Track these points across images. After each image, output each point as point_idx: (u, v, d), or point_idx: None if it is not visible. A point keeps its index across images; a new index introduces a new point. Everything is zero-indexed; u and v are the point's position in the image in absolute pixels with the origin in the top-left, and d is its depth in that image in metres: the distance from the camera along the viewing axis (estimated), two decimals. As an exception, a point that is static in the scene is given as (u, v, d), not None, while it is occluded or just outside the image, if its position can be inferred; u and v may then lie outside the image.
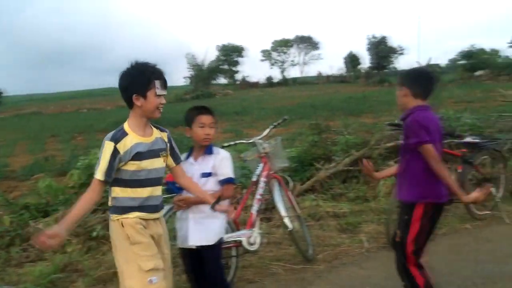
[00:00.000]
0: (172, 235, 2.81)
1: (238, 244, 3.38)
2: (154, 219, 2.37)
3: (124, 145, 2.21)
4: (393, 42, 54.30)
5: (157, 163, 2.33)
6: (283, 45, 67.11)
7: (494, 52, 42.96)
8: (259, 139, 3.89)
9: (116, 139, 2.21)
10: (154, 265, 2.26)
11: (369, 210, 5.02)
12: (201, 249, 2.77)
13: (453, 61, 46.36)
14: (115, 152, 2.19)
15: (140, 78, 2.24)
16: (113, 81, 2.37)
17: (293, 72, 75.31)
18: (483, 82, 30.17)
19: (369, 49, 53.96)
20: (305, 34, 72.94)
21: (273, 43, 68.04)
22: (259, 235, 3.51)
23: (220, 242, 2.85)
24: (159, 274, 2.27)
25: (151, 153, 2.31)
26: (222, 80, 62.45)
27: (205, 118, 2.80)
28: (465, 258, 3.75)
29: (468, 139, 4.62)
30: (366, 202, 5.28)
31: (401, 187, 2.72)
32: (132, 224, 2.27)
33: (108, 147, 2.20)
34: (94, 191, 2.22)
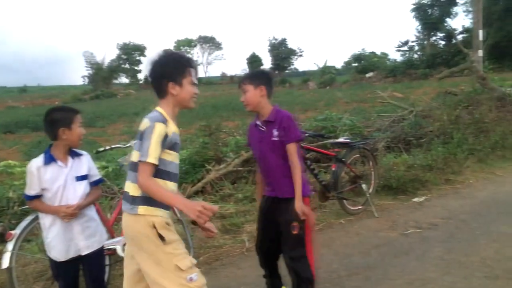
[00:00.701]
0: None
1: (112, 252, 3.28)
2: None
3: (169, 131, 2.06)
4: (292, 44, 56.33)
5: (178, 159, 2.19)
6: (186, 44, 66.67)
7: (384, 56, 46.39)
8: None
9: (163, 122, 2.04)
10: (190, 262, 2.09)
11: (254, 210, 5.15)
12: (86, 256, 2.63)
13: (347, 64, 49.27)
14: (165, 136, 2.02)
15: (176, 66, 2.14)
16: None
17: (196, 72, 74.92)
18: (373, 84, 32.43)
19: (270, 51, 55.63)
20: (208, 34, 73.19)
21: (176, 42, 67.36)
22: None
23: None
24: (197, 271, 2.11)
25: (179, 147, 2.18)
26: (124, 80, 60.43)
27: (80, 117, 2.67)
28: (335, 251, 3.99)
29: (341, 140, 4.94)
30: (253, 202, 5.41)
31: (275, 184, 2.76)
32: (163, 224, 2.07)
33: (160, 128, 2.00)
34: (152, 177, 1.99)
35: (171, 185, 2.13)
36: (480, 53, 14.32)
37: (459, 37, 33.89)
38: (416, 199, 5.28)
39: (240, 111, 17.17)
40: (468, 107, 8.30)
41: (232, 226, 4.70)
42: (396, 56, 45.14)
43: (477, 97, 8.70)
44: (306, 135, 4.63)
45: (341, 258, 3.82)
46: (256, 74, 2.83)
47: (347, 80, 37.44)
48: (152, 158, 1.97)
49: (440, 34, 35.84)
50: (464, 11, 32.44)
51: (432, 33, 37.04)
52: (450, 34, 28.68)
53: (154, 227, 2.04)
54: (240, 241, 4.36)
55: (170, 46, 68.02)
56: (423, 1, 36.44)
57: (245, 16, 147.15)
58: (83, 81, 54.99)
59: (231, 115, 18.79)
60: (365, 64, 41.03)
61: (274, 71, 53.68)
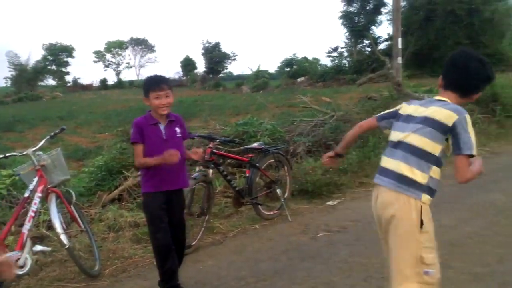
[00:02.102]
0: None
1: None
2: None
3: None
4: (226, 48, 56.49)
5: None
6: (117, 46, 64.82)
7: (315, 61, 47.59)
8: (34, 150, 3.60)
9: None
10: (434, 259, 2.20)
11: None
12: None
13: (280, 68, 50.06)
14: None
15: None
16: None
17: (129, 75, 73.36)
18: (304, 88, 33.15)
19: (203, 54, 55.38)
20: (141, 36, 71.62)
21: (106, 44, 65.29)
22: (29, 256, 3.24)
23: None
24: (437, 268, 2.19)
25: None
26: (51, 82, 57.61)
27: None
28: (246, 258, 3.98)
29: (254, 145, 4.95)
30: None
31: (179, 177, 3.15)
32: (428, 211, 2.17)
33: (469, 119, 2.11)
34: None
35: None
36: (400, 60, 15.04)
37: (384, 44, 35.60)
38: (330, 203, 5.41)
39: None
40: (384, 112, 8.66)
41: (144, 235, 4.55)
42: (326, 61, 46.51)
43: (393, 102, 9.10)
44: (217, 141, 4.60)
45: (251, 265, 3.81)
46: (170, 80, 3.25)
47: (280, 85, 38.02)
48: (476, 151, 2.08)
49: (367, 41, 37.32)
50: (388, 20, 33.87)
51: (359, 40, 38.52)
52: (373, 41, 29.93)
53: (421, 212, 2.13)
54: (151, 251, 4.23)
55: (100, 47, 65.98)
56: (350, 9, 37.85)
57: (178, 19, 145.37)
58: (6, 83, 51.90)
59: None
60: (296, 69, 41.92)
61: (208, 74, 53.43)
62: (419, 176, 2.14)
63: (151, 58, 70.10)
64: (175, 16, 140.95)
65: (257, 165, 4.79)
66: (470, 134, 2.10)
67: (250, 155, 4.84)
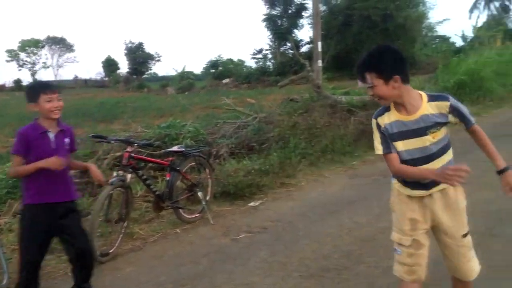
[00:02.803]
0: None
1: None
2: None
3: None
4: (150, 48, 55.28)
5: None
6: (32, 45, 61.18)
7: (241, 62, 47.97)
8: None
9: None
10: (399, 239, 2.34)
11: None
12: None
13: (206, 69, 49.90)
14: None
15: None
16: None
17: (46, 75, 69.42)
18: (229, 90, 33.29)
19: (126, 55, 53.84)
20: (58, 35, 68.13)
21: (20, 42, 61.40)
22: None
23: None
24: (403, 249, 2.32)
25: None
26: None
27: None
28: (166, 263, 3.92)
29: (174, 148, 4.89)
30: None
31: (65, 189, 3.02)
32: (396, 192, 2.42)
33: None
34: None
35: None
36: (320, 63, 15.55)
37: (306, 47, 36.70)
38: (252, 204, 5.46)
39: (90, 118, 16.15)
40: (305, 114, 8.92)
41: (57, 244, 4.32)
42: (252, 63, 47.05)
43: (312, 104, 9.40)
44: (136, 144, 4.48)
45: (171, 270, 3.76)
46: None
47: (205, 86, 37.86)
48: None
49: (290, 44, 38.23)
50: (309, 24, 34.93)
51: (283, 43, 39.37)
52: (294, 44, 30.72)
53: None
54: (65, 260, 4.02)
55: (14, 46, 61.92)
56: (273, 12, 38.58)
57: (99, 18, 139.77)
58: None
59: (80, 121, 17.62)
60: (222, 70, 42.04)
61: (132, 75, 51.98)
62: None
63: (70, 57, 66.93)
64: (96, 15, 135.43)
65: (178, 168, 4.73)
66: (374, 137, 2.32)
67: (170, 159, 4.77)
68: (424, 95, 2.25)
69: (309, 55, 22.71)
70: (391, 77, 2.16)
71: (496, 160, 2.26)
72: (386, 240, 3.97)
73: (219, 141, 7.65)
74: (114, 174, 4.22)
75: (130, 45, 54.15)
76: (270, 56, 42.34)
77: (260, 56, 42.67)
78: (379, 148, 2.29)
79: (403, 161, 2.25)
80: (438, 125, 2.21)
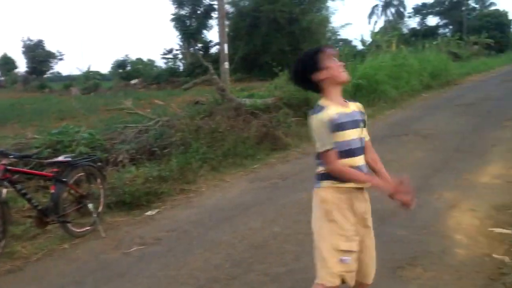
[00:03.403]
0: None
1: None
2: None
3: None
4: (51, 46, 52.15)
5: None
6: None
7: (150, 63, 46.77)
8: None
9: None
10: (348, 246, 2.25)
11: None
12: None
13: (114, 69, 48.02)
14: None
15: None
16: None
17: None
18: (138, 90, 32.30)
19: (24, 53, 50.27)
20: None
21: None
22: None
23: None
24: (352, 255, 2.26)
25: None
26: None
27: None
28: (48, 284, 3.64)
29: (60, 158, 4.58)
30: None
31: None
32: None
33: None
34: None
35: None
36: (227, 65, 15.61)
37: (216, 48, 36.65)
38: (149, 213, 5.29)
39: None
40: (208, 117, 8.86)
41: None
42: (161, 63, 46.07)
43: (217, 107, 9.37)
44: (11, 156, 4.13)
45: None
46: None
47: (112, 86, 36.41)
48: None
49: (200, 45, 38.04)
50: (218, 25, 34.97)
51: (193, 43, 39.03)
52: (194, 45, 30.51)
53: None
54: None
55: None
56: (182, 12, 38.10)
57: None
58: None
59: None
60: (130, 71, 40.70)
61: (31, 74, 48.58)
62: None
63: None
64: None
65: (65, 180, 4.43)
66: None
67: (55, 170, 4.45)
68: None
69: (218, 57, 22.70)
70: None
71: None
72: (277, 246, 4.06)
73: (119, 147, 7.34)
74: (-13, 189, 3.86)
75: (28, 42, 50.66)
76: (180, 56, 41.81)
77: (170, 56, 41.97)
78: (325, 144, 2.23)
79: (342, 152, 2.26)
80: (363, 122, 2.38)
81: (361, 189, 2.32)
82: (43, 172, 4.62)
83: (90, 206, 4.68)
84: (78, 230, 4.60)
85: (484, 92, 16.26)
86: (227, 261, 3.78)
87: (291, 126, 9.11)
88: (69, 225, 4.50)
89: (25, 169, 4.43)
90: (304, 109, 10.14)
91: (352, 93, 13.12)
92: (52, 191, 4.39)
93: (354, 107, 2.38)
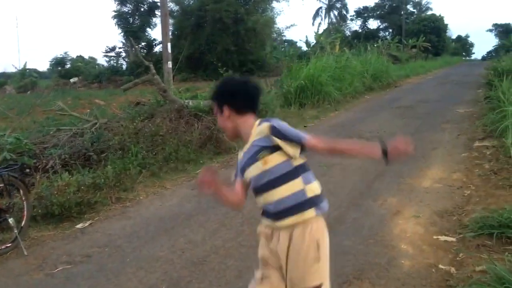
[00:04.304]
0: None
1: None
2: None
3: None
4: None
5: None
6: None
7: (92, 60, 45.05)
8: None
9: None
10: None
11: None
12: None
13: (52, 67, 45.86)
14: None
15: None
16: None
17: None
18: (78, 89, 30.95)
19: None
20: None
21: None
22: None
23: None
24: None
25: None
26: None
27: None
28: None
29: (-27, 169, 4.09)
30: None
31: None
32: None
33: None
34: None
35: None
36: (170, 64, 15.14)
37: (160, 47, 35.80)
38: (79, 226, 4.87)
39: None
40: (149, 119, 8.46)
41: None
42: (103, 61, 44.44)
43: (158, 109, 8.98)
44: None
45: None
46: None
47: (49, 85, 34.69)
48: None
49: (143, 43, 37.01)
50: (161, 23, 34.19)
51: (136, 41, 37.91)
52: (132, 44, 29.63)
53: None
54: None
55: None
56: (124, 10, 36.92)
57: None
58: None
59: None
60: (69, 69, 38.95)
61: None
62: None
63: None
64: None
65: (-21, 193, 3.96)
66: None
67: (-32, 182, 3.97)
68: (257, 121, 2.16)
69: (162, 56, 22.08)
70: (222, 108, 2.18)
71: (367, 149, 2.12)
72: (218, 261, 3.80)
73: (50, 152, 6.80)
74: None
75: (-44, 36, 47.23)
76: (124, 54, 40.50)
77: (112, 54, 40.56)
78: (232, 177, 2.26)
79: (253, 188, 2.15)
80: (264, 149, 2.07)
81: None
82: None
83: (11, 220, 4.22)
84: (-3, 248, 4.13)
85: (423, 94, 16.79)
86: (163, 280, 3.47)
87: (236, 129, 8.86)
88: (-14, 243, 4.03)
89: None
90: (249, 111, 9.97)
91: (296, 94, 13.13)
92: (-36, 206, 3.90)
93: (253, 137, 2.13)
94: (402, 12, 52.84)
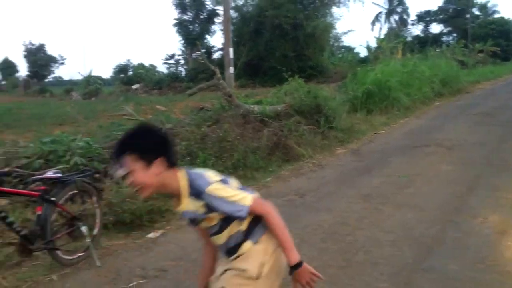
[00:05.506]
0: None
1: None
2: None
3: None
4: (52, 51, 51.97)
5: None
6: None
7: (152, 68, 46.34)
8: None
9: None
10: None
11: None
12: None
13: (115, 74, 47.59)
14: None
15: None
16: None
17: None
18: (140, 95, 31.74)
19: (26, 57, 49.80)
20: None
21: None
22: None
23: None
24: None
25: None
26: None
27: None
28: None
29: (48, 174, 3.92)
30: None
31: None
32: None
33: None
34: None
35: None
36: (232, 70, 15.03)
37: (218, 53, 36.17)
38: (151, 235, 4.64)
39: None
40: (215, 125, 8.24)
41: None
42: (163, 68, 45.60)
43: (223, 114, 8.75)
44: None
45: None
46: None
47: (113, 91, 35.88)
48: None
49: (202, 50, 37.48)
50: (221, 30, 34.42)
51: (195, 48, 38.52)
52: (199, 49, 29.99)
53: None
54: None
55: None
56: (185, 17, 37.61)
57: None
58: None
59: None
60: (131, 76, 40.19)
61: (32, 79, 48.07)
62: None
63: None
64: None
65: (53, 199, 3.79)
66: None
67: (42, 188, 3.81)
68: (185, 185, 1.84)
69: (221, 62, 22.13)
70: (151, 163, 1.77)
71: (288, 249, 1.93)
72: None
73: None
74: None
75: (30, 46, 50.20)
76: (182, 61, 41.29)
77: (172, 61, 41.47)
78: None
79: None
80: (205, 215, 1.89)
81: None
82: (27, 191, 3.96)
83: (84, 228, 4.03)
84: (69, 258, 3.95)
85: (498, 100, 15.67)
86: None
87: (304, 135, 8.46)
88: (58, 252, 3.85)
89: (3, 188, 3.77)
90: (316, 116, 9.52)
91: (363, 99, 12.53)
92: (39, 213, 3.74)
93: (189, 206, 1.89)
94: (468, 16, 50.45)
